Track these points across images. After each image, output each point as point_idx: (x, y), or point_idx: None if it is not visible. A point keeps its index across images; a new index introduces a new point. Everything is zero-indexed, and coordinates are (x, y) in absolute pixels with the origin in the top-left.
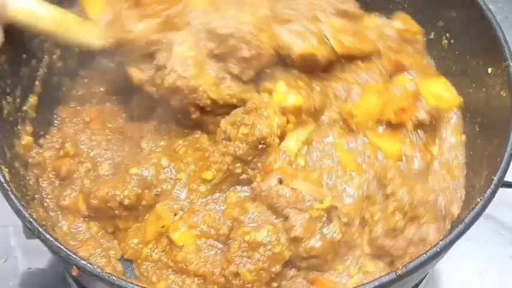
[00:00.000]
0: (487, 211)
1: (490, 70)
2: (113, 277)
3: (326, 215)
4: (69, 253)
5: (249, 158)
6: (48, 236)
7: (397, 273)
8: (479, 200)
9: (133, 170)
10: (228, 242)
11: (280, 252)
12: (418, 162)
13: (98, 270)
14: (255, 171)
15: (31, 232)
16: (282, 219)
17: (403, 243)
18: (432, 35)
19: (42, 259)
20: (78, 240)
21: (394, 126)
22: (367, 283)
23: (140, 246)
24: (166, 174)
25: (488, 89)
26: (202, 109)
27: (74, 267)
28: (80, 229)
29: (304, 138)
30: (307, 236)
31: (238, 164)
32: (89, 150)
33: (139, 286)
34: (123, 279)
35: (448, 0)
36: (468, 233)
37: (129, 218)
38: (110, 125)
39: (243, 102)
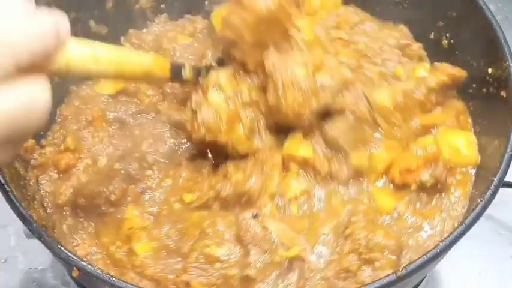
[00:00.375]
0: (487, 211)
1: (490, 70)
2: (113, 278)
3: (288, 263)
4: (69, 254)
5: (231, 202)
6: (48, 237)
7: (397, 275)
8: (479, 201)
9: (117, 165)
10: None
11: (233, 276)
12: (405, 222)
13: (98, 271)
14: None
15: (32, 233)
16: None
17: (351, 286)
18: (432, 35)
19: (42, 259)
20: (76, 239)
21: (396, 185)
22: (367, 284)
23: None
24: (153, 171)
25: (488, 90)
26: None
27: (74, 268)
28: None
29: (306, 187)
30: (259, 278)
31: (217, 202)
32: (91, 147)
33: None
34: (123, 281)
35: (448, 0)
36: (468, 233)
37: (115, 215)
38: (114, 123)
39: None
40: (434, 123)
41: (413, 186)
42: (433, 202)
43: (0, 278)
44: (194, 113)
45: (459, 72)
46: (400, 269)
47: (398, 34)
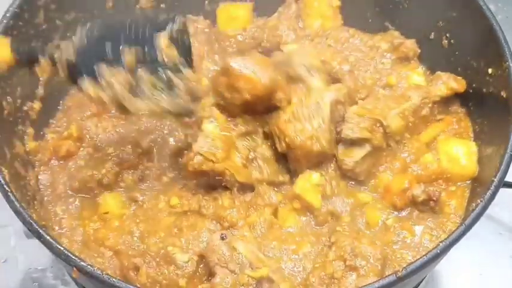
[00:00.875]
0: (487, 211)
1: (490, 71)
2: (113, 279)
3: (256, 284)
4: (69, 254)
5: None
6: (48, 237)
7: (397, 275)
8: (479, 201)
9: (111, 149)
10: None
11: (178, 285)
12: (392, 234)
13: (98, 272)
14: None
15: (31, 234)
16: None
17: None
18: (432, 35)
19: (42, 259)
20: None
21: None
22: (366, 285)
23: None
24: (153, 162)
25: (488, 90)
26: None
27: (74, 268)
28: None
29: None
30: None
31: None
32: (94, 136)
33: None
34: (123, 282)
35: (449, 1)
36: (468, 233)
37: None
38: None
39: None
40: (435, 136)
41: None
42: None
43: (0, 278)
44: (189, 145)
45: (460, 84)
46: (400, 269)
47: (391, 37)
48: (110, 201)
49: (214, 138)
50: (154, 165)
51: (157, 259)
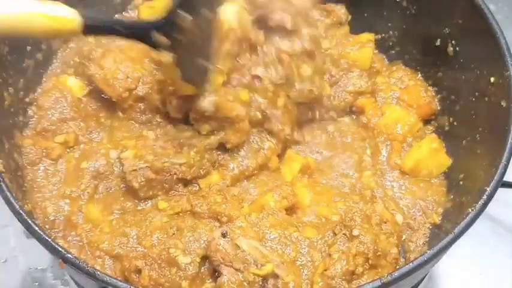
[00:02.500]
0: (487, 211)
1: (492, 79)
2: (113, 279)
3: (261, 281)
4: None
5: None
6: (47, 237)
7: (382, 281)
8: (470, 210)
9: (84, 164)
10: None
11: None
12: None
13: (98, 272)
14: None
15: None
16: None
17: None
18: (438, 42)
19: (42, 259)
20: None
21: None
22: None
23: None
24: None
25: (490, 99)
26: None
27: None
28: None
29: None
30: None
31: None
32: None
33: None
34: (128, 284)
35: (454, 8)
36: (468, 233)
37: None
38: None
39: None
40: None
41: None
42: None
43: (1, 278)
44: None
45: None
46: (385, 276)
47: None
48: (93, 211)
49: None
50: None
51: (159, 261)
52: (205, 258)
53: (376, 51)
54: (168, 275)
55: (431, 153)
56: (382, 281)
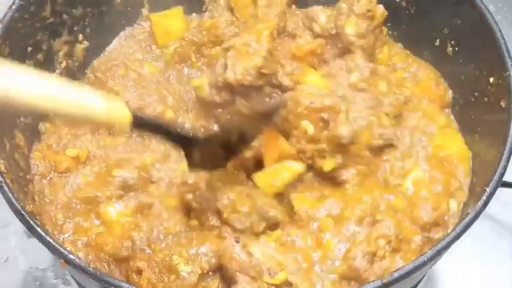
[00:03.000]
0: (487, 211)
1: (492, 80)
2: (115, 280)
3: None
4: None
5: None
6: (47, 237)
7: (383, 282)
8: (469, 211)
9: (116, 171)
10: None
11: None
12: None
13: (97, 272)
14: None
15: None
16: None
17: (378, 270)
18: (438, 42)
19: (43, 259)
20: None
21: None
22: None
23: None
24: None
25: (489, 99)
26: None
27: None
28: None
29: None
30: None
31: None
32: (101, 153)
33: None
34: (129, 284)
35: (453, 8)
36: (468, 233)
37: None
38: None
39: None
40: None
41: None
42: None
43: (1, 278)
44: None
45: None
46: (386, 276)
47: None
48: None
49: None
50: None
51: (161, 266)
52: (207, 272)
53: None
54: (166, 281)
55: None
56: (382, 281)
